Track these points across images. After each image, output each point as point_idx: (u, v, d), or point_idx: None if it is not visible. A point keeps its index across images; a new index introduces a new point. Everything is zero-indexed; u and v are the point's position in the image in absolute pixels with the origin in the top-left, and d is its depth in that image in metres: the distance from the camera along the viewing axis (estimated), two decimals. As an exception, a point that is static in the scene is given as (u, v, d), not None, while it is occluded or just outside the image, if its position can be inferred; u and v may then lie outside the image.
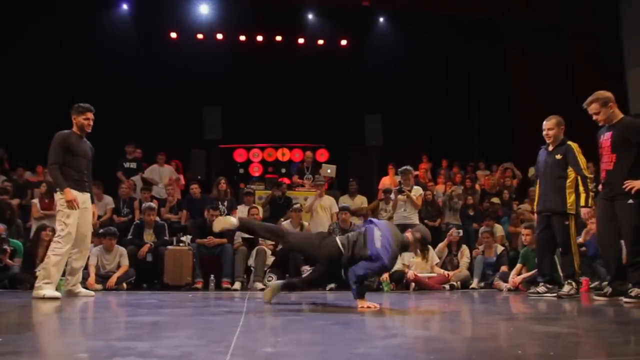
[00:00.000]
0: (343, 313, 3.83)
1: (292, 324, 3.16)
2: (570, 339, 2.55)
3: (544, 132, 5.26)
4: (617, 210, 4.49)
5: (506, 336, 2.64)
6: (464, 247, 7.50)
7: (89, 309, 4.23)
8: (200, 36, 12.35)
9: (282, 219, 8.35)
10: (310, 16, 12.61)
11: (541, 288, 5.25)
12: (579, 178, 4.96)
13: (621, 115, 4.61)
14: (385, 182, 10.04)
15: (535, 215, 5.48)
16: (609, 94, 4.63)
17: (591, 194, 4.91)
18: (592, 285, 6.04)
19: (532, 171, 10.47)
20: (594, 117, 4.66)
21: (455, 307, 4.53)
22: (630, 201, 4.37)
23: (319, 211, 8.44)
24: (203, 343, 2.37)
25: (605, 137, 4.61)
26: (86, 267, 6.57)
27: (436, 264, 7.23)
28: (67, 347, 2.18)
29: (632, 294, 4.27)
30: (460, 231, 7.64)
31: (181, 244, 7.10)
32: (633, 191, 4.33)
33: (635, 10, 11.24)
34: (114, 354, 1.99)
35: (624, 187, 4.37)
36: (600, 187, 4.76)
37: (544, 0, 11.45)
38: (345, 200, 8.96)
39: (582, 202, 4.88)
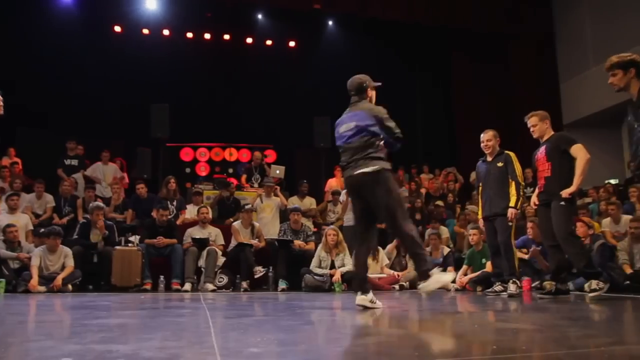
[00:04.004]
0: (305, 313, 3.87)
1: (263, 324, 3.16)
2: (534, 334, 2.70)
3: (483, 144, 5.72)
4: (551, 211, 4.95)
5: (476, 333, 2.76)
6: (412, 249, 7.69)
7: (41, 311, 4.07)
8: (145, 31, 12.03)
9: (232, 219, 8.31)
10: (259, 16, 12.57)
11: (497, 287, 5.55)
12: (513, 183, 5.41)
13: (552, 132, 5.25)
14: (332, 183, 10.15)
15: (481, 221, 5.79)
16: (546, 113, 5.31)
17: (521, 198, 5.41)
18: (533, 285, 6.37)
19: (473, 176, 10.92)
20: (531, 129, 5.27)
21: (413, 307, 4.67)
22: (562, 203, 4.86)
23: (266, 212, 8.43)
24: (184, 344, 2.35)
25: (541, 151, 5.20)
26: (28, 268, 6.31)
27: (385, 265, 7.39)
28: (44, 352, 2.10)
29: (593, 286, 4.68)
30: (409, 233, 7.82)
31: (130, 244, 6.90)
32: (567, 196, 4.81)
33: (568, 28, 11.97)
34: (101, 357, 1.94)
35: (562, 196, 4.81)
36: (536, 195, 5.26)
37: (485, 11, 11.92)
38: (294, 202, 8.99)
39: (512, 204, 5.36)
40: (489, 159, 5.67)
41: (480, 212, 5.84)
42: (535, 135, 5.26)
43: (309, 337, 2.67)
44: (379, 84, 4.11)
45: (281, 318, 3.52)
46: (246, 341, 2.43)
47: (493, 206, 5.52)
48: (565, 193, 4.81)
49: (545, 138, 5.20)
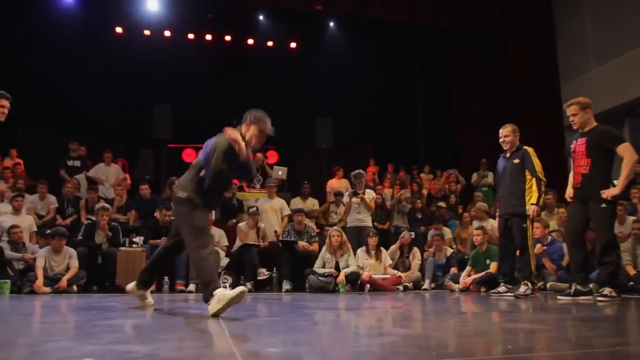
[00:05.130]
0: (313, 314, 3.88)
1: (275, 325, 3.17)
2: (546, 334, 2.72)
3: (501, 140, 5.58)
4: (590, 212, 4.76)
5: (487, 333, 2.77)
6: (415, 249, 7.72)
7: (51, 312, 4.07)
8: (147, 32, 12.04)
9: (235, 220, 8.33)
10: (260, 17, 12.58)
11: (502, 288, 5.53)
12: (534, 180, 5.27)
13: (595, 123, 4.87)
14: (333, 184, 10.19)
15: (497, 218, 5.77)
16: (589, 101, 4.90)
17: (543, 195, 5.28)
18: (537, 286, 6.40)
19: (474, 177, 10.96)
20: (571, 119, 4.91)
21: (419, 307, 4.69)
22: (604, 205, 4.64)
23: (269, 213, 8.44)
24: (201, 345, 2.36)
25: (579, 143, 4.85)
26: (33, 269, 6.31)
27: (389, 266, 7.41)
28: (64, 352, 2.11)
29: (605, 292, 4.59)
30: (412, 233, 7.87)
31: (134, 245, 6.91)
32: (610, 198, 4.60)
33: (568, 30, 12.01)
34: (122, 358, 1.95)
35: (601, 193, 4.62)
36: (571, 187, 4.98)
37: (486, 13, 11.95)
38: (297, 202, 9.02)
39: (533, 200, 5.23)
40: (508, 154, 5.56)
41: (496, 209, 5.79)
42: (575, 127, 4.89)
43: (324, 338, 2.69)
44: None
45: (291, 319, 3.53)
46: (262, 341, 2.44)
47: (507, 205, 5.45)
48: (608, 194, 4.59)
49: (586, 129, 4.82)
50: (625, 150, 4.65)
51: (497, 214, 5.77)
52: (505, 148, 5.59)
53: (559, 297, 5.08)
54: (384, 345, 2.38)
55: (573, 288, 4.89)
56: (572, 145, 4.95)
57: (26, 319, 3.60)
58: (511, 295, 5.32)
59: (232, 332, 2.70)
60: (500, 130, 5.60)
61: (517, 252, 5.46)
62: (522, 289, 5.20)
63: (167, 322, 3.22)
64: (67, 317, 3.79)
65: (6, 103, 4.83)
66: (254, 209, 7.84)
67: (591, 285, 5.71)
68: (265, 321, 3.43)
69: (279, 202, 8.66)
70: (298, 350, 2.21)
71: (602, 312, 3.91)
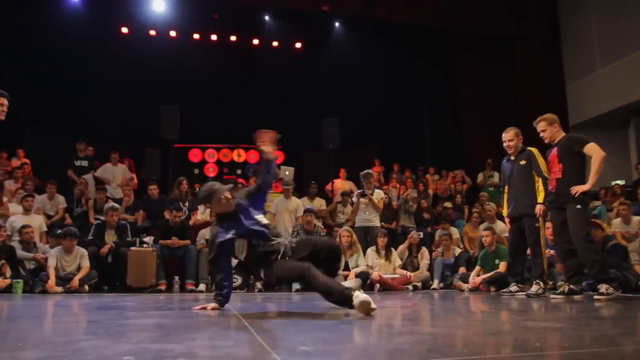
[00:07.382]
0: (331, 313, 3.89)
1: (298, 324, 3.18)
2: (569, 332, 2.74)
3: (505, 144, 5.68)
4: (567, 216, 4.95)
5: (510, 331, 2.79)
6: (424, 249, 7.75)
7: (70, 312, 4.09)
8: (152, 32, 12.06)
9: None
10: (266, 17, 12.60)
11: (514, 287, 5.57)
12: (540, 180, 5.40)
13: (564, 134, 5.26)
14: (337, 185, 10.22)
15: (507, 220, 5.81)
16: (555, 116, 5.31)
17: None
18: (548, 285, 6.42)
19: (480, 177, 10.99)
20: (541, 134, 5.28)
21: (434, 307, 4.71)
22: (578, 206, 4.87)
23: (285, 214, 8.46)
24: (233, 343, 2.37)
25: (552, 152, 5.21)
26: (44, 269, 6.34)
27: (398, 266, 7.44)
28: (101, 351, 2.13)
29: (602, 290, 4.66)
30: (421, 233, 7.90)
31: (144, 245, 6.93)
32: (578, 194, 4.84)
33: (574, 30, 12.05)
34: (160, 356, 1.97)
35: (572, 193, 4.86)
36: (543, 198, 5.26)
37: (491, 13, 11.99)
38: (304, 203, 9.03)
39: (540, 199, 5.36)
40: (512, 157, 5.65)
41: (505, 211, 5.82)
42: (546, 141, 5.27)
43: (351, 336, 2.71)
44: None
45: (312, 318, 3.55)
46: (292, 340, 2.46)
47: (519, 206, 5.53)
48: (578, 189, 4.82)
49: (556, 140, 5.20)
50: (592, 149, 4.92)
51: (506, 215, 5.82)
52: (509, 152, 5.70)
53: (551, 295, 5.20)
54: (414, 342, 2.41)
55: (567, 288, 5.09)
56: (548, 157, 5.28)
57: (49, 319, 3.63)
58: (523, 295, 5.35)
59: (259, 331, 2.72)
60: (503, 135, 5.71)
61: (529, 251, 5.50)
62: (534, 288, 5.25)
63: (191, 322, 3.23)
64: (89, 316, 3.80)
65: (5, 101, 4.79)
66: (271, 210, 7.91)
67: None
68: (289, 320, 3.45)
69: (295, 203, 8.68)
70: (331, 349, 2.23)
71: (617, 311, 3.93)
